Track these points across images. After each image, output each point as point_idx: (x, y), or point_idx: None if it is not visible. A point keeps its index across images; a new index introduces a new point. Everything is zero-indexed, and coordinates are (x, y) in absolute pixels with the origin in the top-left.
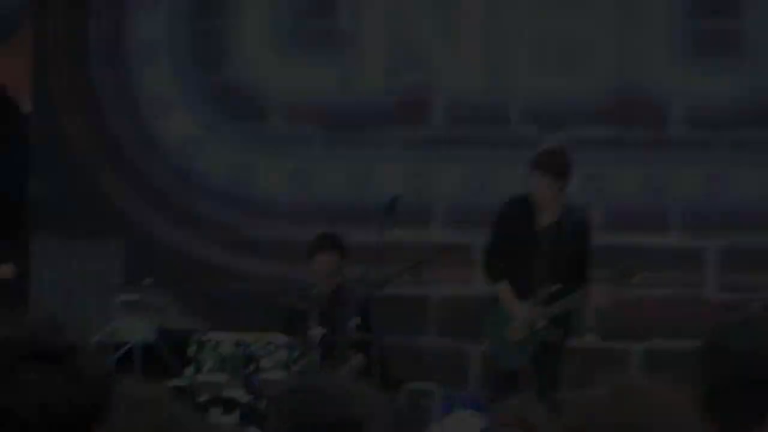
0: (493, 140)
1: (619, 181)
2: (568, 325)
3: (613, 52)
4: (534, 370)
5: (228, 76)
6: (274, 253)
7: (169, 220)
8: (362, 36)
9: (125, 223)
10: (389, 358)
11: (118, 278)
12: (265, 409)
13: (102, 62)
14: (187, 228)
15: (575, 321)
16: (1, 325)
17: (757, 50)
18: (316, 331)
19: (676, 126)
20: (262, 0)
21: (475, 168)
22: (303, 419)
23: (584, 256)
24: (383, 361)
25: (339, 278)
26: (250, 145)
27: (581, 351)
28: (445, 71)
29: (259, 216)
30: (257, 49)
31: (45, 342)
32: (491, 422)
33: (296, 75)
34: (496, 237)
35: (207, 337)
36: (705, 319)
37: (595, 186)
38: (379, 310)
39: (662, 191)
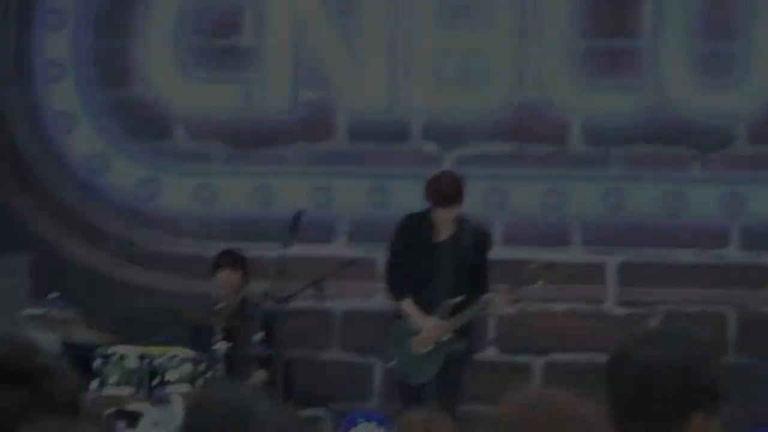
0: (395, 157)
1: (519, 196)
2: (472, 338)
3: (513, 69)
4: (439, 383)
5: (132, 93)
6: (179, 268)
7: (74, 235)
8: (266, 53)
9: (31, 237)
10: (293, 373)
11: (24, 293)
12: (168, 420)
13: (7, 80)
14: (93, 243)
15: (478, 334)
16: None
17: (653, 68)
18: (221, 346)
19: (576, 142)
20: (167, 18)
21: (378, 184)
22: None
23: (484, 269)
24: (287, 376)
25: (243, 293)
26: (155, 162)
27: (484, 364)
28: (347, 88)
29: (164, 231)
30: (161, 67)
31: (15, 364)
32: None
33: (200, 92)
34: (396, 252)
35: (112, 351)
36: (605, 332)
37: (495, 201)
38: (282, 325)
39: (563, 206)
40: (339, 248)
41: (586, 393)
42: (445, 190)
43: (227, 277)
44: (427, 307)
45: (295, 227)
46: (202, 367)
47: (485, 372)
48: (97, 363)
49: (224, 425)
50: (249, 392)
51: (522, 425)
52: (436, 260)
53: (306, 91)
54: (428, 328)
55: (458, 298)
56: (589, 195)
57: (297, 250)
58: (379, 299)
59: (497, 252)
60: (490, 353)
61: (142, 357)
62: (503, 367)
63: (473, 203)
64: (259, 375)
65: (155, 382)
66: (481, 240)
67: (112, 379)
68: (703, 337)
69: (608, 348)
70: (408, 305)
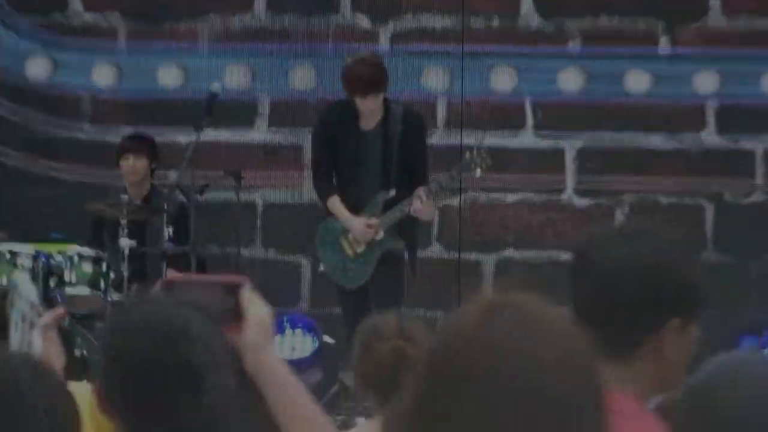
0: (321, 32)
1: (465, 76)
2: (411, 235)
3: None
4: (376, 287)
5: None
6: (79, 155)
7: None
8: None
9: None
10: (208, 273)
11: None
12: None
13: None
14: None
15: (418, 231)
16: None
17: None
18: (125, 242)
19: (528, 14)
20: None
21: (303, 63)
22: (132, 365)
23: (420, 158)
24: None
25: (150, 183)
26: (48, 38)
27: (427, 263)
28: None
29: (60, 115)
30: None
31: None
32: (366, 336)
33: None
34: (319, 146)
35: (2, 249)
36: (564, 226)
37: (438, 81)
38: (196, 219)
39: (514, 86)
40: (260, 134)
41: (544, 296)
42: (361, 78)
43: (132, 164)
44: (357, 204)
45: (209, 110)
46: (104, 266)
47: (429, 272)
48: None
49: (157, 349)
50: (184, 310)
51: (483, 334)
52: (363, 152)
53: None
54: (357, 228)
55: (391, 193)
56: (543, 73)
57: (212, 135)
58: (307, 191)
59: (439, 138)
60: (433, 251)
61: (36, 255)
62: (449, 267)
63: (410, 84)
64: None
65: (52, 283)
66: (414, 126)
67: (1, 280)
68: (676, 232)
69: (568, 244)
70: (335, 203)
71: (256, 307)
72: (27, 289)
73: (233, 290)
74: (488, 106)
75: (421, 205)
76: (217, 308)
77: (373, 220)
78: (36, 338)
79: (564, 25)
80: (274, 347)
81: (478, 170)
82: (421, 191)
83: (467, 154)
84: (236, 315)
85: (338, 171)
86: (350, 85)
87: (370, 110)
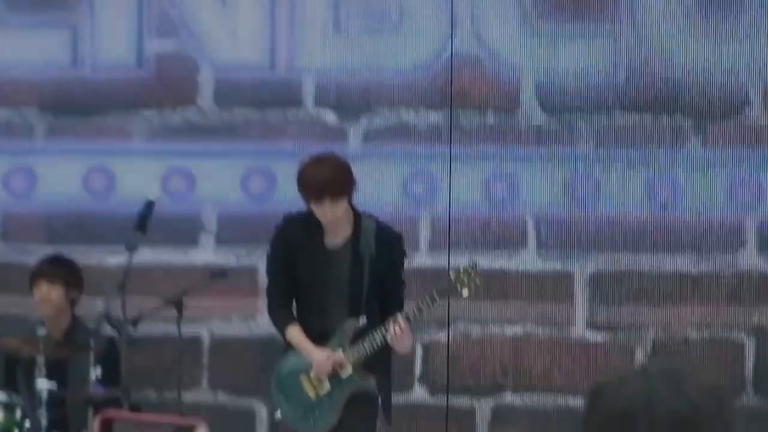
0: (279, 130)
1: (453, 184)
2: (385, 373)
3: (439, 10)
4: None
5: None
6: None
7: None
8: None
9: None
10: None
11: None
12: None
13: None
14: None
15: (395, 368)
16: None
17: (631, 8)
18: (43, 385)
19: (528, 111)
20: None
21: (258, 167)
22: None
23: (394, 281)
24: None
25: (72, 315)
26: None
27: (406, 410)
28: (213, 37)
29: None
30: None
31: None
32: None
33: (12, 42)
34: (276, 267)
35: None
36: (573, 367)
37: (419, 190)
38: (129, 356)
39: (514, 198)
40: (206, 253)
41: None
42: (315, 178)
43: (45, 293)
44: (322, 335)
45: (143, 225)
46: (17, 413)
47: (409, 420)
48: None
49: None
50: None
51: None
52: (329, 273)
53: (156, 41)
54: (320, 363)
55: (361, 321)
56: (548, 183)
57: (148, 255)
58: (262, 321)
59: (421, 260)
60: (416, 394)
61: None
62: (434, 414)
63: (385, 195)
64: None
65: None
66: (390, 243)
67: None
68: (708, 373)
69: (578, 388)
70: (294, 334)
71: None
72: None
73: None
74: (481, 220)
75: (399, 331)
76: None
77: (339, 354)
78: None
79: (573, 123)
80: None
81: (465, 290)
82: (398, 316)
83: (452, 273)
84: None
85: (299, 297)
86: (303, 188)
87: (330, 222)
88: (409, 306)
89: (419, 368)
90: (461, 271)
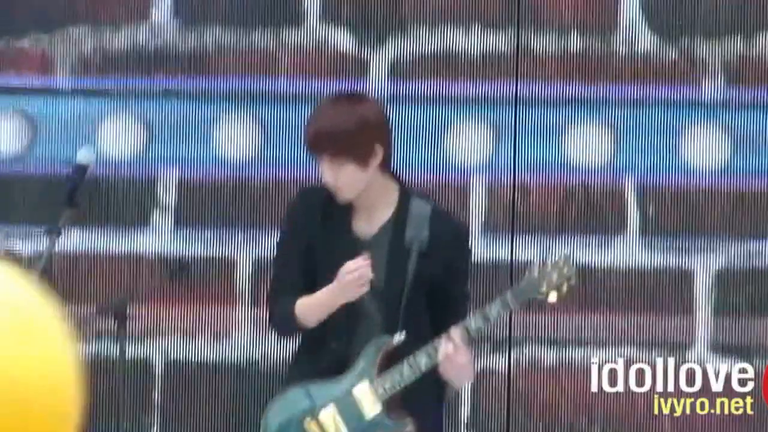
0: (263, 56)
1: (521, 144)
2: (433, 409)
3: None
4: None
5: None
6: None
7: None
8: None
9: None
10: None
11: None
12: None
13: None
14: None
15: (440, 407)
16: None
17: None
18: None
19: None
20: None
21: (242, 113)
22: None
23: (454, 285)
24: None
25: None
26: None
27: None
28: None
29: None
30: None
31: None
32: None
33: None
34: (284, 259)
35: None
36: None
37: (473, 150)
38: None
39: (613, 160)
40: (159, 239)
41: None
42: (311, 127)
43: None
44: (341, 358)
45: (72, 197)
46: None
47: None
48: None
49: None
50: None
51: None
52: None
53: None
54: (338, 395)
55: (397, 338)
56: (658, 137)
57: (77, 240)
58: (242, 337)
59: (474, 248)
60: None
61: None
62: None
63: (419, 154)
64: None
65: None
66: (449, 237)
67: None
68: None
69: None
70: (304, 301)
71: None
72: None
73: None
74: (560, 191)
75: (452, 350)
76: None
77: (367, 385)
78: None
79: (696, 50)
80: None
81: (553, 294)
82: (455, 332)
83: (537, 269)
84: None
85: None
86: (308, 140)
87: (342, 189)
88: (472, 316)
89: (467, 409)
90: (550, 265)
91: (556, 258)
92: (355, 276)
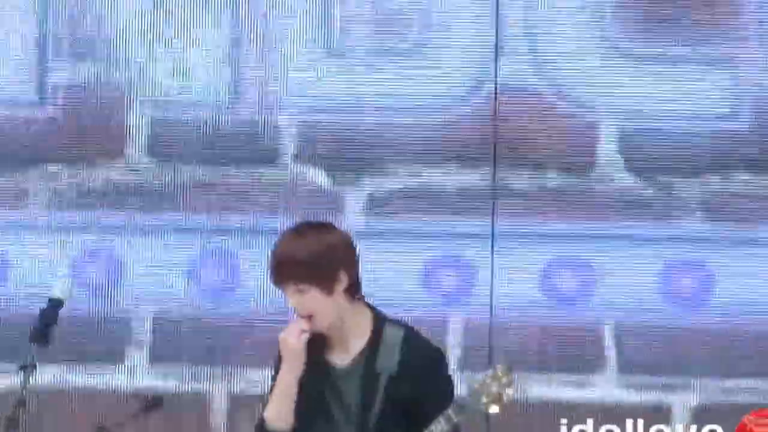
0: (252, 191)
1: (496, 271)
2: None
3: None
4: None
5: None
6: None
7: None
8: None
9: None
10: None
11: None
12: None
13: None
14: None
15: None
16: None
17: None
18: None
19: (603, 165)
20: None
21: (215, 245)
22: None
23: (429, 401)
24: None
25: None
26: None
27: None
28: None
29: None
30: None
31: None
32: None
33: None
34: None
35: None
36: None
37: (446, 281)
38: None
39: (587, 289)
40: (134, 374)
41: None
42: (273, 255)
43: None
44: None
45: (45, 333)
46: None
47: None
48: None
49: None
50: None
51: None
52: (335, 403)
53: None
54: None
55: None
56: (636, 275)
57: (51, 376)
58: None
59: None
60: None
61: None
62: None
63: (396, 289)
64: None
65: None
66: (419, 363)
67: None
68: None
69: None
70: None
71: None
72: None
73: None
74: (538, 329)
75: None
76: None
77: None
78: None
79: (672, 188)
80: None
81: (493, 406)
82: None
83: (476, 383)
84: None
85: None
86: (270, 270)
87: (311, 317)
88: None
89: None
90: (489, 376)
91: (496, 368)
92: (288, 330)
